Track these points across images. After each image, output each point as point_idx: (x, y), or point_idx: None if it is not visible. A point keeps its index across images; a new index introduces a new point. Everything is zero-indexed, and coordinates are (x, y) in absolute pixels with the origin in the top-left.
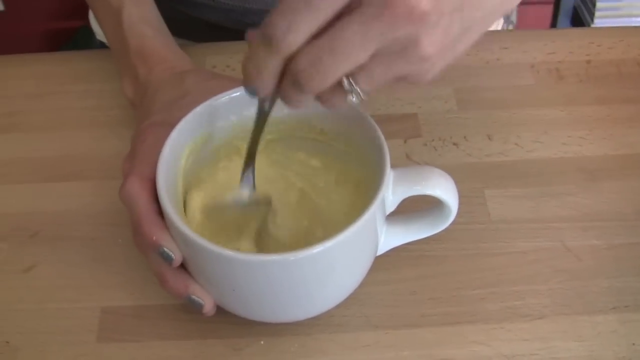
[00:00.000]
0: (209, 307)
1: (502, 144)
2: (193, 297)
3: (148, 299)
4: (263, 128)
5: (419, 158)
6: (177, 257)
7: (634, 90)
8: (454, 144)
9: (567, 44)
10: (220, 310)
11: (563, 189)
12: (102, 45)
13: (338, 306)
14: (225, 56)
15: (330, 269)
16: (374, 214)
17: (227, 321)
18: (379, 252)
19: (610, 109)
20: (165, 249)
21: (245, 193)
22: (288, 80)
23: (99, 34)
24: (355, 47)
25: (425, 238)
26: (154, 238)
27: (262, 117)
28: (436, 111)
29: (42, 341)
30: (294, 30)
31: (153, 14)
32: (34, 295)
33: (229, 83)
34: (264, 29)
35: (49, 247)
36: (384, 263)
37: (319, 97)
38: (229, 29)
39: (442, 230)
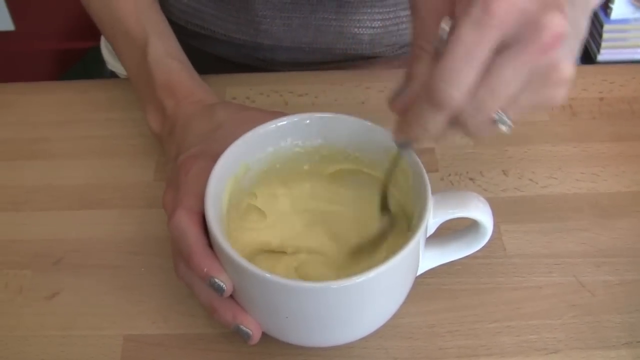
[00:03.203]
0: (256, 337)
1: (517, 179)
2: (241, 327)
3: (170, 328)
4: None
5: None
6: (228, 287)
7: None
8: (470, 179)
9: (580, 80)
10: (242, 339)
11: (577, 225)
12: (113, 75)
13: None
14: (245, 87)
15: (378, 294)
16: (419, 240)
17: (244, 350)
18: (418, 273)
19: (623, 146)
20: (217, 280)
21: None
22: (451, 124)
23: (111, 64)
24: (511, 85)
25: (441, 273)
26: (206, 270)
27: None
28: (453, 146)
29: None
30: (461, 89)
31: (178, 49)
32: (57, 322)
33: (258, 114)
34: (432, 94)
35: (72, 274)
36: None
37: (468, 130)
38: (239, 64)
39: (459, 264)
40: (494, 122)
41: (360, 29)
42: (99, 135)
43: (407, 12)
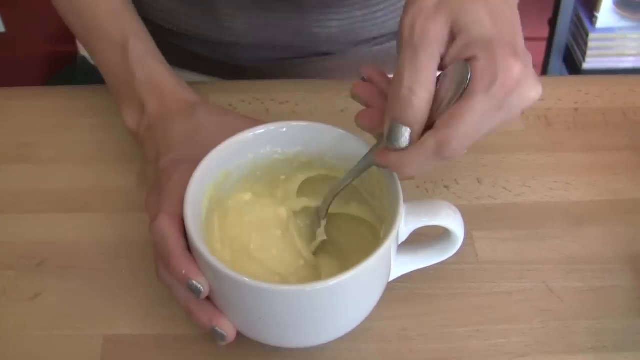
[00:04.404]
0: (230, 338)
1: (491, 187)
2: (216, 328)
3: (150, 329)
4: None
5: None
6: (205, 289)
7: (619, 138)
8: (445, 186)
9: (556, 91)
10: (213, 341)
11: (549, 233)
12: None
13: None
14: (227, 95)
15: (350, 297)
16: (389, 247)
17: (221, 352)
18: (390, 279)
19: (596, 156)
20: (195, 282)
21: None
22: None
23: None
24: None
25: (414, 277)
26: (184, 272)
27: (364, 168)
28: None
29: None
30: (465, 145)
31: (157, 51)
32: (39, 322)
33: (238, 120)
34: (445, 152)
35: (55, 276)
36: None
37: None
38: (214, 60)
39: (431, 269)
40: None
41: (317, 28)
42: (83, 140)
43: (362, 12)
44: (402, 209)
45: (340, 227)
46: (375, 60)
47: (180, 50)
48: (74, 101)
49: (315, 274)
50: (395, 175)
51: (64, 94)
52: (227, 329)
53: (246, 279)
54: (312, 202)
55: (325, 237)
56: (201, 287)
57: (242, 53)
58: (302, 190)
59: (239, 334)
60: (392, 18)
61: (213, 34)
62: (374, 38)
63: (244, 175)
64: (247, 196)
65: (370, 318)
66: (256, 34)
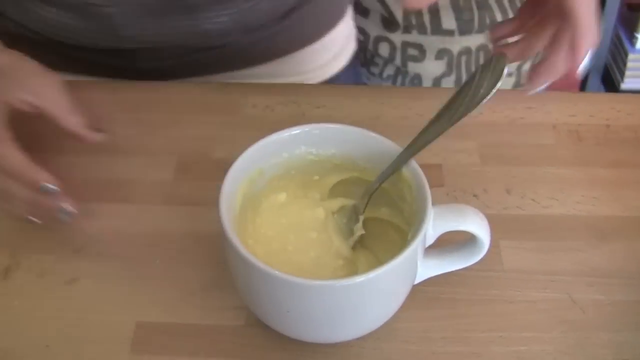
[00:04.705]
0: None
1: (520, 198)
2: (63, 207)
3: (180, 318)
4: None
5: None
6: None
7: None
8: (474, 195)
9: (588, 107)
10: (248, 332)
11: (574, 245)
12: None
13: (357, 338)
14: (265, 97)
15: (376, 295)
16: (416, 248)
17: (248, 343)
18: (416, 281)
19: (624, 173)
20: (49, 185)
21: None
22: None
23: None
24: None
25: (439, 281)
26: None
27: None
28: (460, 164)
29: (80, 348)
30: None
31: None
32: (75, 305)
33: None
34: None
35: (92, 262)
36: None
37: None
38: (108, 64)
39: (457, 274)
40: None
41: (209, 25)
42: (125, 134)
43: (250, 4)
44: (430, 211)
45: (371, 230)
46: (268, 45)
47: (82, 60)
48: (117, 95)
49: (353, 270)
50: (424, 179)
51: (108, 89)
52: (71, 205)
53: (277, 273)
54: (348, 202)
55: (363, 232)
56: (56, 187)
57: (142, 57)
58: (334, 191)
59: (266, 326)
60: (276, 7)
61: (112, 43)
62: (262, 25)
63: (278, 174)
64: (282, 196)
65: (394, 319)
66: (152, 39)
